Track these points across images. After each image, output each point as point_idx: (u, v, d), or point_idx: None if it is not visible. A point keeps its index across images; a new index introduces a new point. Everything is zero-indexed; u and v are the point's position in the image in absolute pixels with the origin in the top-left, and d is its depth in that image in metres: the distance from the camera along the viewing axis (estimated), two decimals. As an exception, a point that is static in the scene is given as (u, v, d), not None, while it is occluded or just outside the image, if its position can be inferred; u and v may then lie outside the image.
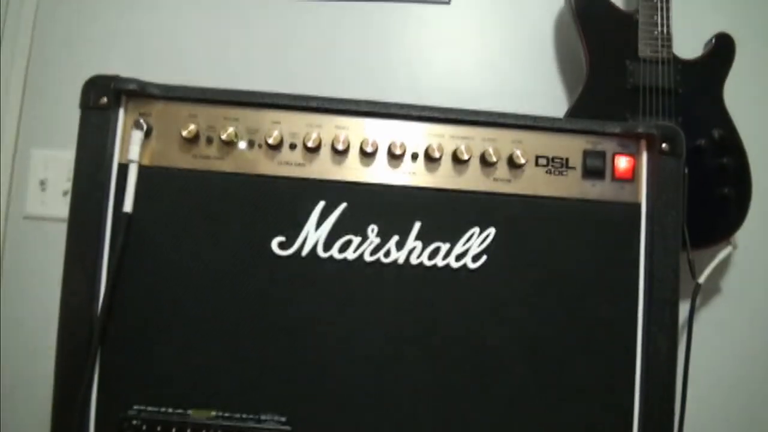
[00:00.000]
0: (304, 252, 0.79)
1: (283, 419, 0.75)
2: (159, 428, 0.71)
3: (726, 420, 1.30)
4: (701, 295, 1.23)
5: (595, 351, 0.80)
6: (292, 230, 0.79)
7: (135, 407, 0.74)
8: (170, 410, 0.74)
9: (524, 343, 0.80)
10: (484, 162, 0.82)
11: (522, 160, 0.81)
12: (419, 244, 0.80)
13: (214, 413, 0.74)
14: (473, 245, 0.80)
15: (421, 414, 0.78)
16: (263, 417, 0.74)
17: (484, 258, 0.80)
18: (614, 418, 0.80)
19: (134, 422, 0.71)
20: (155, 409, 0.74)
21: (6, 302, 1.27)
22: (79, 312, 0.76)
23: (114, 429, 0.72)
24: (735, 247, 1.22)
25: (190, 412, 0.74)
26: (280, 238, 0.79)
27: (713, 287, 1.32)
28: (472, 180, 0.82)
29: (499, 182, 0.82)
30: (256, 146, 0.81)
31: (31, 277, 1.28)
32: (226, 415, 0.74)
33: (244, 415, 0.74)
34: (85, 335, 0.75)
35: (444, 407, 0.79)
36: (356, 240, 0.79)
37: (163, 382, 0.76)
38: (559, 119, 0.86)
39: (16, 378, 1.25)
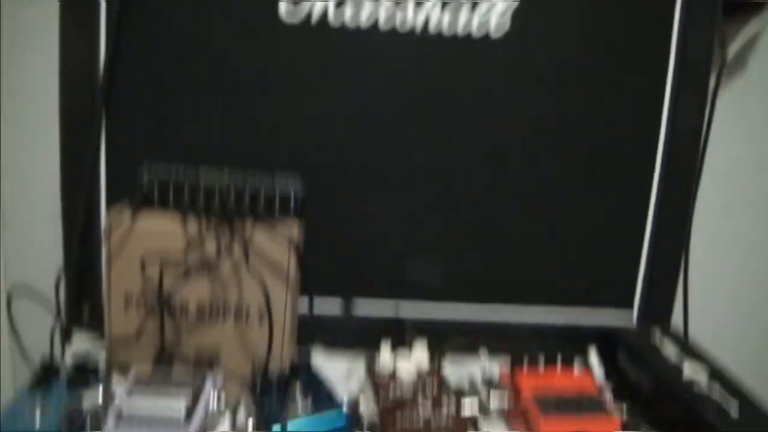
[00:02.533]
0: (314, 19, 0.74)
1: (297, 176, 0.73)
2: (171, 183, 0.70)
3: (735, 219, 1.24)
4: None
5: (619, 125, 0.78)
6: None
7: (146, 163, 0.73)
8: (182, 167, 0.73)
9: (543, 117, 0.78)
10: None
11: None
12: (438, 11, 0.75)
13: (226, 170, 0.72)
14: (496, 13, 0.75)
15: (432, 186, 0.78)
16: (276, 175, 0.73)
17: (507, 27, 0.75)
18: (632, 196, 0.80)
19: (146, 177, 0.70)
20: (166, 165, 0.73)
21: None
22: (81, 74, 0.73)
23: (125, 186, 0.71)
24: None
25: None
26: (288, 6, 0.74)
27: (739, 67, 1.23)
28: (498, -61, 0.75)
29: (529, -55, 0.75)
30: None
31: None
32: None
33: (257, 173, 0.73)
34: (89, 99, 0.73)
35: (453, 183, 0.78)
36: (370, 5, 0.74)
37: (173, 141, 0.75)
38: None
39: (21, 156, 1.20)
